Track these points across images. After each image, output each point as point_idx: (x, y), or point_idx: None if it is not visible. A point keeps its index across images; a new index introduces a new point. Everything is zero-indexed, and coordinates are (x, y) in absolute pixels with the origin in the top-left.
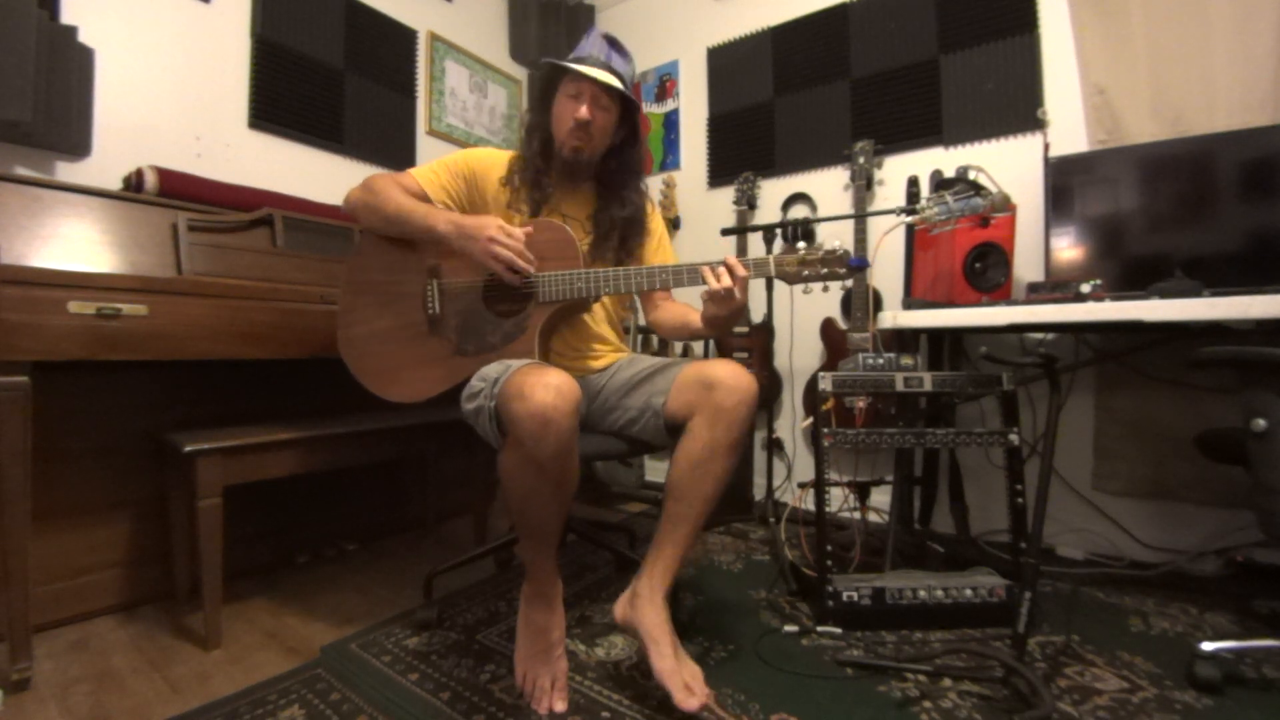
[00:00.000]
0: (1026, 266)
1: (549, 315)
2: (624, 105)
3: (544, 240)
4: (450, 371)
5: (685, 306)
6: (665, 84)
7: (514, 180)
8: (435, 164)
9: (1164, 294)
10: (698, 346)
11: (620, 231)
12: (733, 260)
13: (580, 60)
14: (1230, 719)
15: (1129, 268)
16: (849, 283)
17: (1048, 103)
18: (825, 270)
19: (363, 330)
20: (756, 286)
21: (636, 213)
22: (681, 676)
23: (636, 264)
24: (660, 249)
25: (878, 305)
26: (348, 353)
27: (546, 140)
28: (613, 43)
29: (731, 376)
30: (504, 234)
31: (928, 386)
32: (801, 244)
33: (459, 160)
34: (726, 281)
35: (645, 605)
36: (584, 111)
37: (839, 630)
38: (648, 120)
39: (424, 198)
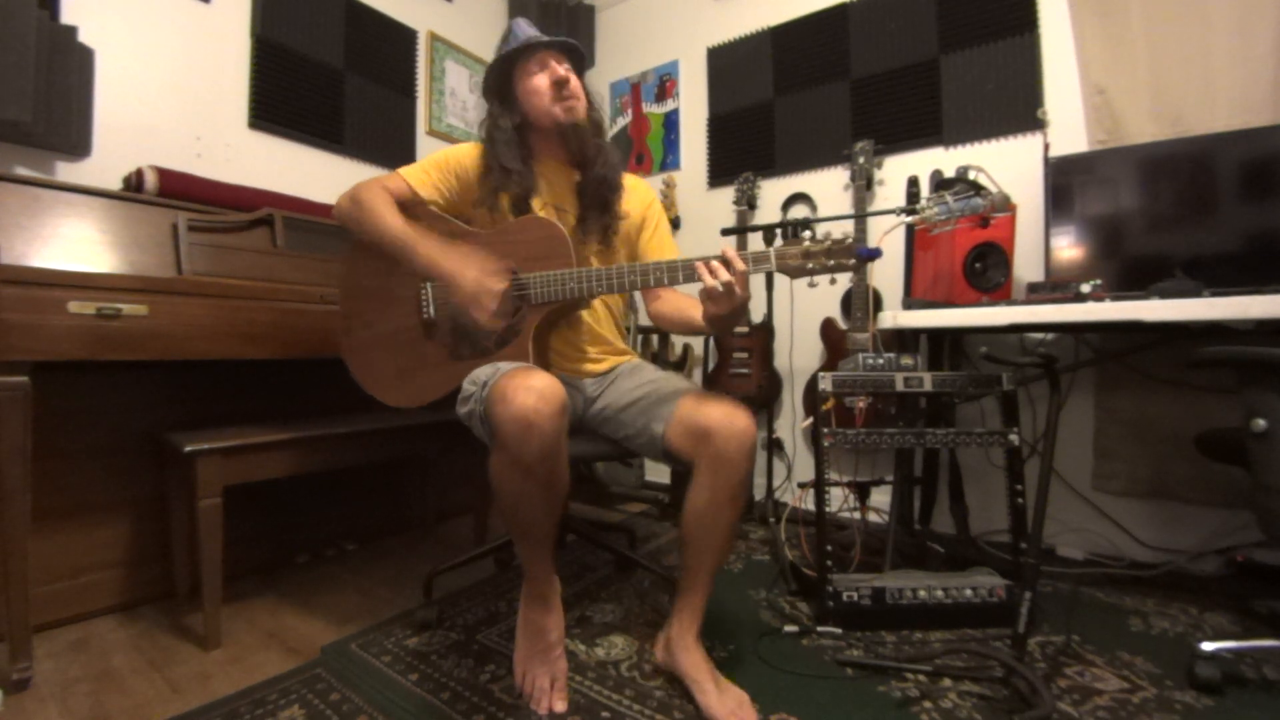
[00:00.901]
0: (1026, 266)
1: (543, 317)
2: (574, 63)
3: (534, 239)
4: (448, 376)
5: (687, 298)
6: (665, 84)
7: (487, 194)
8: (426, 162)
9: (1164, 294)
10: (698, 346)
11: (599, 195)
12: (731, 253)
13: (520, 46)
14: (1230, 719)
15: (1129, 268)
16: (850, 279)
17: (1048, 103)
18: (832, 262)
19: (363, 337)
20: (756, 286)
21: (606, 169)
22: (727, 708)
23: (628, 244)
24: (657, 238)
25: (878, 305)
26: (351, 360)
27: (523, 137)
28: (529, 21)
29: (726, 424)
30: (483, 298)
31: (928, 386)
32: (806, 233)
33: (451, 157)
34: (724, 277)
35: (679, 650)
36: (560, 71)
37: (839, 630)
38: (647, 121)
39: (414, 197)
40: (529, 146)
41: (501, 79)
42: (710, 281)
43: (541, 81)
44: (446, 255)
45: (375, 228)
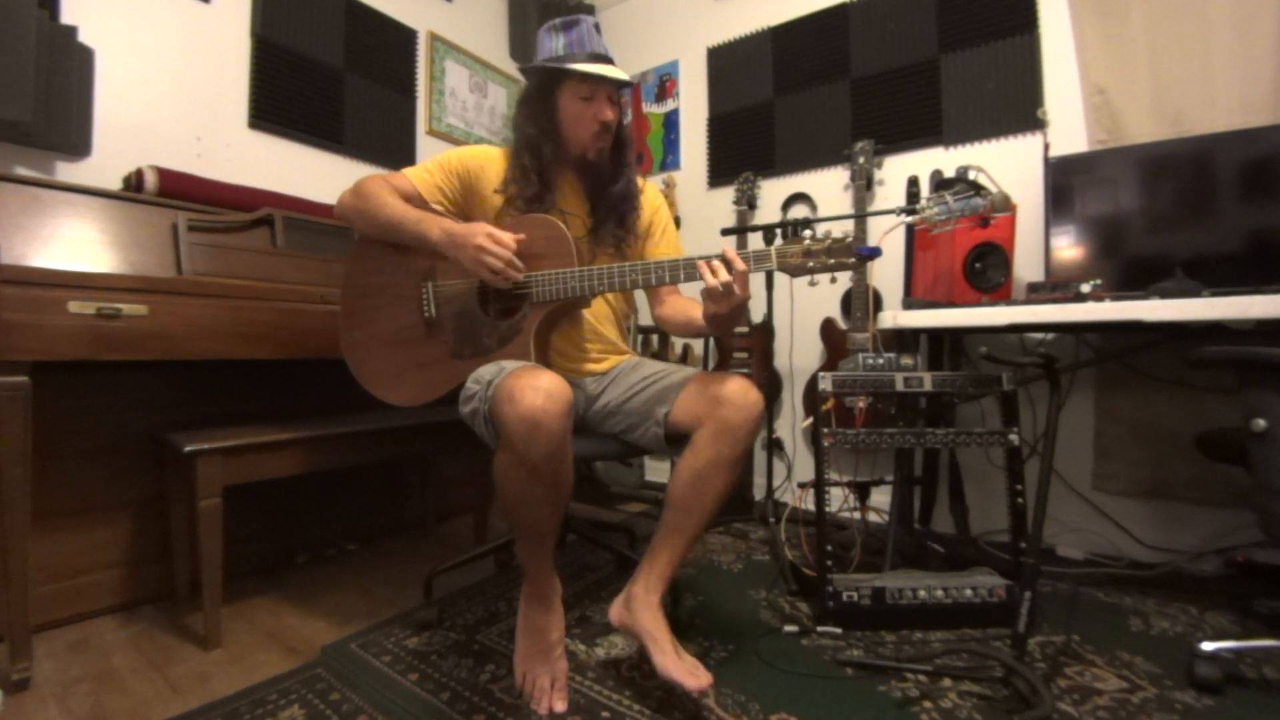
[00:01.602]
0: (1026, 266)
1: (545, 315)
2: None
3: (537, 238)
4: (448, 375)
5: (690, 301)
6: (665, 84)
7: (509, 190)
8: (430, 163)
9: (1164, 294)
10: (697, 346)
11: (616, 209)
12: (731, 253)
13: (575, 58)
14: (1230, 719)
15: (1129, 268)
16: (850, 279)
17: (1048, 103)
18: (832, 261)
19: (363, 334)
20: (756, 286)
21: (628, 186)
22: (686, 666)
23: (638, 253)
24: (665, 242)
25: (878, 305)
26: (350, 356)
27: (553, 145)
28: (598, 28)
29: (740, 394)
30: (492, 241)
31: (928, 386)
32: (807, 232)
33: (454, 159)
34: (724, 276)
35: (641, 608)
36: (609, 114)
37: (839, 630)
38: (647, 121)
39: (418, 198)
40: (553, 152)
41: (549, 79)
42: (711, 281)
43: (588, 115)
44: (458, 224)
45: (385, 213)
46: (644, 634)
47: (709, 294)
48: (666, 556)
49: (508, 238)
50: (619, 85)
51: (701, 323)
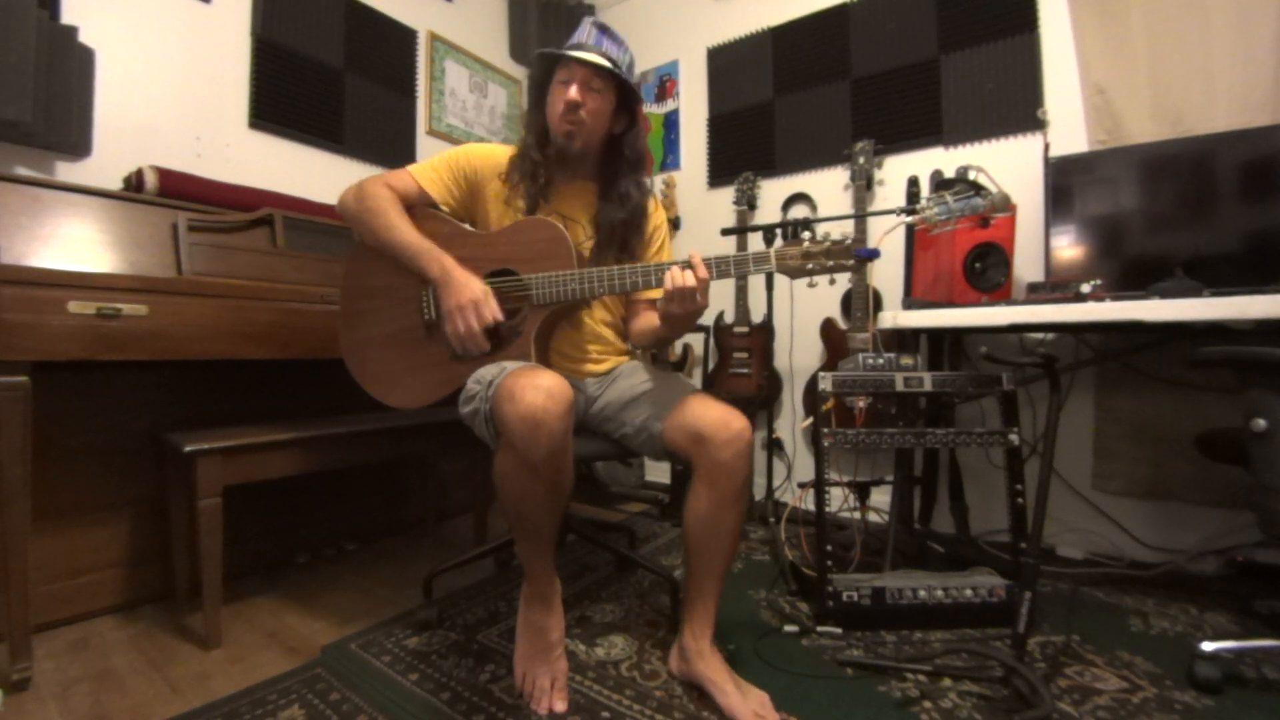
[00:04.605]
0: (1026, 266)
1: (545, 317)
2: (620, 91)
3: (537, 239)
4: (449, 377)
5: (655, 316)
6: (665, 84)
7: (513, 176)
8: (436, 160)
9: (1164, 294)
10: (698, 346)
11: (621, 234)
12: (697, 259)
13: (571, 49)
14: (1230, 719)
15: (1129, 268)
16: (850, 279)
17: (1048, 103)
18: (831, 263)
19: (363, 336)
20: (757, 285)
21: (636, 212)
22: (750, 709)
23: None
24: (659, 256)
25: (878, 305)
26: (350, 358)
27: (542, 133)
28: (603, 29)
29: (721, 427)
30: (474, 309)
31: (928, 386)
32: (806, 234)
33: (460, 156)
34: (690, 281)
35: (695, 656)
36: (573, 92)
37: (839, 630)
38: (648, 121)
39: (423, 196)
40: (549, 149)
41: (540, 72)
42: (676, 282)
43: (559, 96)
44: (457, 271)
45: (386, 234)
46: (704, 681)
47: (670, 295)
48: (701, 603)
49: (489, 313)
50: (597, 71)
51: (660, 326)
